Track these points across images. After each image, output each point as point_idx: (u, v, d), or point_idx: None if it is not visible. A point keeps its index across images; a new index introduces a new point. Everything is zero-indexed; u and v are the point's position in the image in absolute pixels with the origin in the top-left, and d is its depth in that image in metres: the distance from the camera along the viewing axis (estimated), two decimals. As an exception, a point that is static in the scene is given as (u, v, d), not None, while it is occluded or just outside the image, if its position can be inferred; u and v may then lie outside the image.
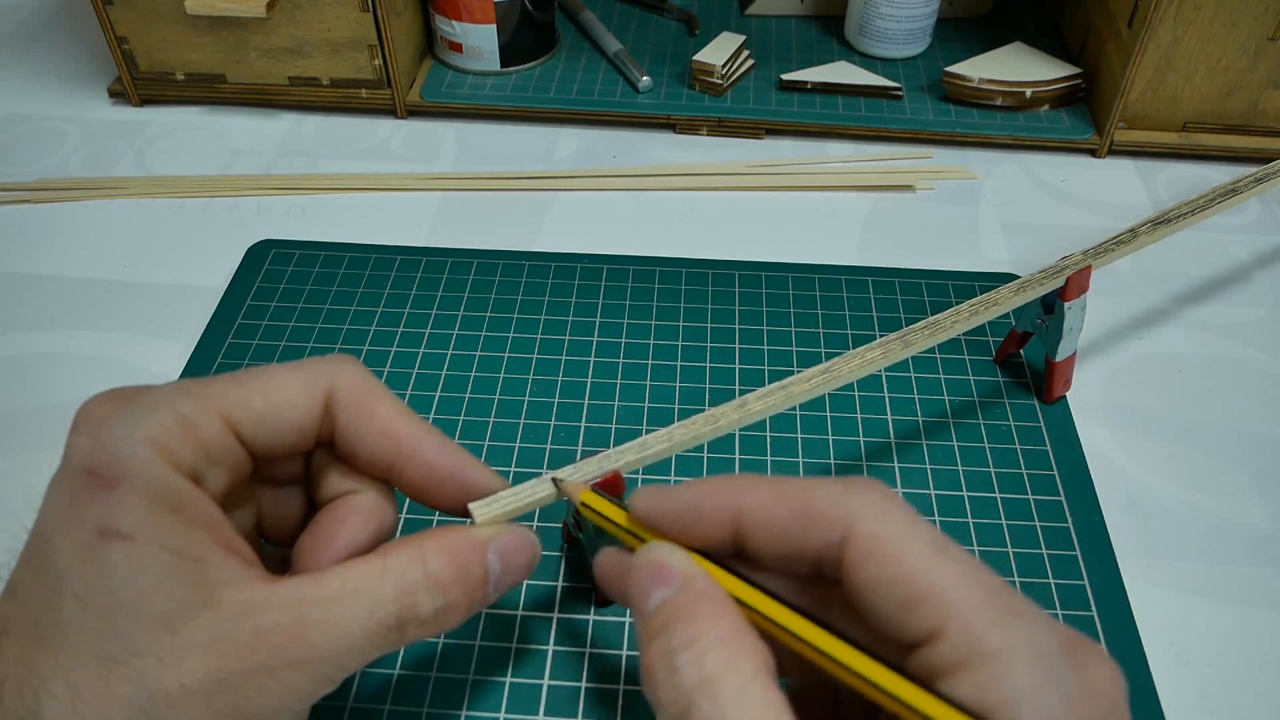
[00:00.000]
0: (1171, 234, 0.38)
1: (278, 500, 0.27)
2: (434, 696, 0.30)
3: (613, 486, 0.27)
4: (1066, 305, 0.36)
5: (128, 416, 0.23)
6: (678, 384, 0.40)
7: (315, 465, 0.27)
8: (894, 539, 0.20)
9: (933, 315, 0.33)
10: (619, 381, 0.40)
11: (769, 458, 0.37)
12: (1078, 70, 0.55)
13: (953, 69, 0.55)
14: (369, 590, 0.23)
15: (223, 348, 0.41)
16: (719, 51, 0.56)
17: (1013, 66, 0.55)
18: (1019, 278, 0.36)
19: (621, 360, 0.41)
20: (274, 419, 0.25)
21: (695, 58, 0.55)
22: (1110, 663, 0.20)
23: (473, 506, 0.26)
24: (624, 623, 0.32)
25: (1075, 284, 0.36)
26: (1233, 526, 0.36)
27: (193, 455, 0.23)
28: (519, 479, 0.36)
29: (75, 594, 0.21)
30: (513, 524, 0.26)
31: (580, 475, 0.27)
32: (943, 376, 0.40)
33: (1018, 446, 0.38)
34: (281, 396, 0.25)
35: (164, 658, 0.21)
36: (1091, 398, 0.40)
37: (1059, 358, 0.38)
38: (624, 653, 0.31)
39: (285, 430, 0.25)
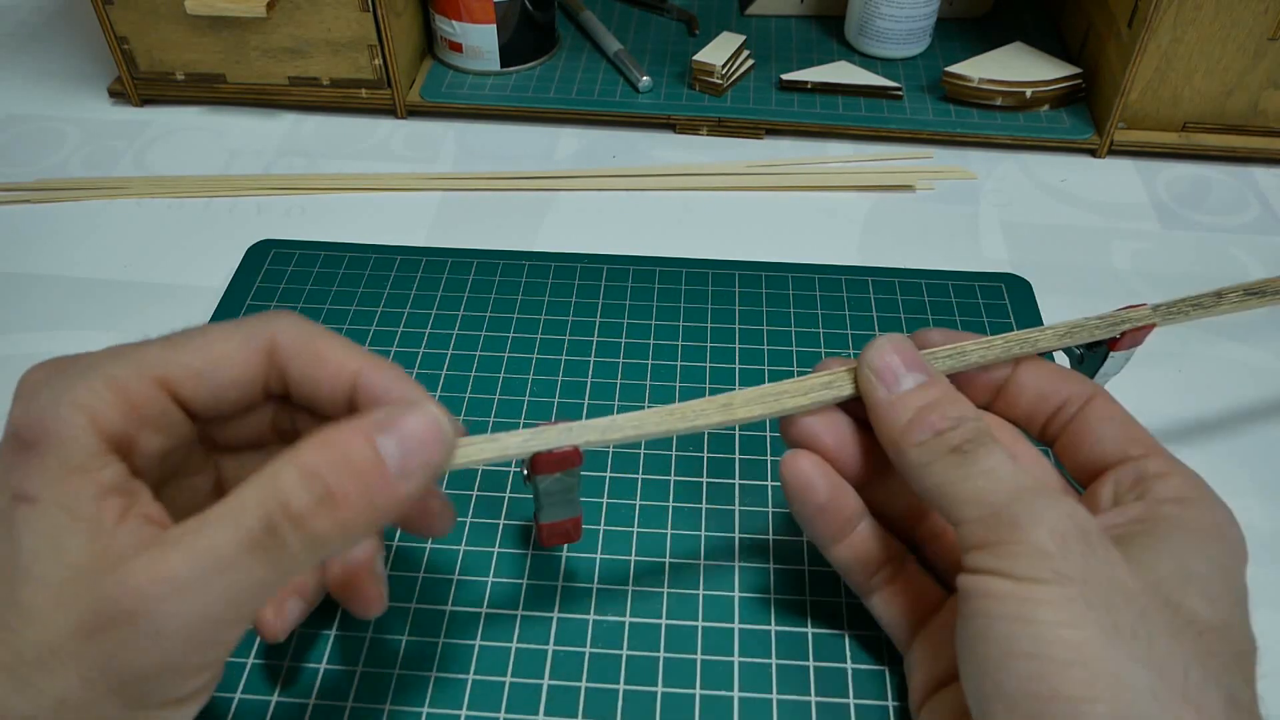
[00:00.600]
0: (1262, 306, 0.34)
1: (244, 465, 0.27)
2: (434, 696, 0.30)
3: (568, 460, 0.27)
4: (1112, 354, 0.32)
5: (59, 381, 0.23)
6: (678, 384, 0.40)
7: (286, 426, 0.27)
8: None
9: (961, 344, 0.30)
10: (619, 381, 0.40)
11: (737, 455, 0.37)
12: (1078, 70, 0.55)
13: (953, 69, 0.55)
14: (233, 505, 0.21)
15: (223, 348, 0.41)
16: (719, 51, 0.56)
17: (1013, 66, 0.55)
18: (1023, 280, 0.35)
19: (621, 360, 0.41)
20: (212, 375, 0.24)
21: (695, 58, 0.55)
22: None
23: None
24: (624, 623, 0.32)
25: (1130, 338, 0.32)
26: (1233, 526, 0.36)
27: (122, 418, 0.23)
28: (518, 479, 0.36)
29: None
30: (415, 403, 0.24)
31: (539, 442, 0.26)
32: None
33: (1018, 446, 0.38)
34: (218, 351, 0.24)
35: (34, 620, 0.20)
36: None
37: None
38: (624, 653, 0.31)
39: (225, 386, 0.24)
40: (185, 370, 0.24)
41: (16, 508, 0.21)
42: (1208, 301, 0.33)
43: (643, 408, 0.38)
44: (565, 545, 0.34)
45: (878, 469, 0.29)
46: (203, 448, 0.27)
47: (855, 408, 0.29)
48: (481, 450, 0.26)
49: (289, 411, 0.27)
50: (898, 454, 0.27)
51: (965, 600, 0.24)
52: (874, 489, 0.30)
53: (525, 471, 0.27)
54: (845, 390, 0.29)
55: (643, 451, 0.37)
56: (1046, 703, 0.22)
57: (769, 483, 0.36)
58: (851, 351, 0.41)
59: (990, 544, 0.24)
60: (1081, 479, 0.29)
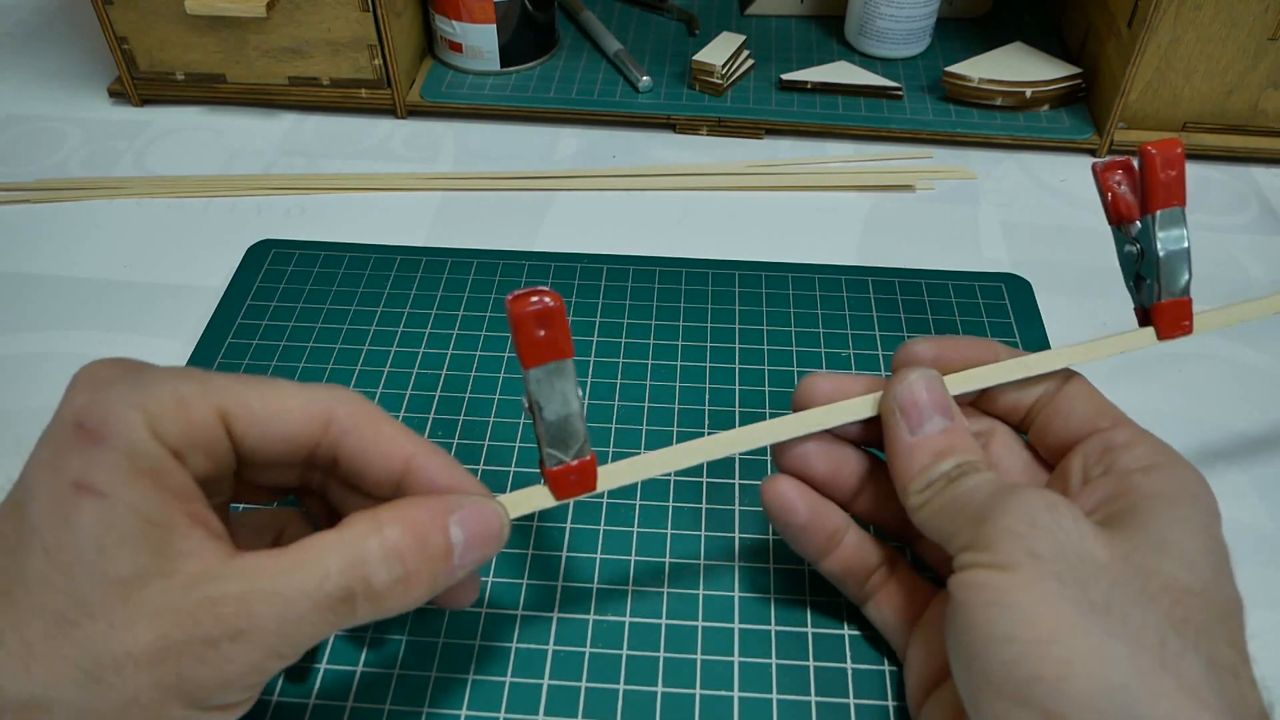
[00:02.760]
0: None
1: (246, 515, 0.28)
2: (434, 696, 0.30)
3: (548, 317, 0.25)
4: (1156, 218, 0.28)
5: (128, 383, 0.23)
6: (678, 384, 0.40)
7: (326, 495, 0.28)
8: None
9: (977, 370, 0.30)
10: (619, 381, 0.40)
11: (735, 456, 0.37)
12: (1078, 70, 0.55)
13: (953, 69, 0.55)
14: (319, 561, 0.23)
15: (222, 348, 0.41)
16: (719, 51, 0.56)
17: (1013, 66, 0.55)
18: (1023, 280, 0.35)
19: (621, 360, 0.41)
20: (268, 422, 0.25)
21: (695, 58, 0.55)
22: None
23: None
24: (624, 622, 0.32)
25: (1159, 176, 0.27)
26: (1233, 526, 0.36)
27: (180, 434, 0.23)
28: (518, 479, 0.37)
29: (44, 545, 0.21)
30: (482, 497, 0.26)
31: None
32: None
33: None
34: (281, 404, 0.25)
35: (114, 623, 0.21)
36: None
37: (1163, 296, 0.30)
38: (624, 653, 0.31)
39: (276, 437, 0.25)
40: (245, 409, 0.24)
41: (80, 497, 0.22)
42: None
43: (643, 407, 0.38)
44: (564, 549, 0.34)
45: (868, 480, 0.31)
46: (230, 479, 0.27)
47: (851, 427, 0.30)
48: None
49: (320, 474, 0.28)
50: (903, 491, 0.28)
51: (951, 598, 0.25)
52: (864, 498, 0.31)
53: (525, 402, 0.26)
54: (863, 414, 0.29)
55: (642, 452, 0.37)
56: (1029, 685, 0.22)
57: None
58: (851, 352, 0.41)
59: (970, 543, 0.25)
60: (1052, 458, 0.30)
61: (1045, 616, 0.22)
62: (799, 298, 0.44)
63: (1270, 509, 0.36)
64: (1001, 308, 0.43)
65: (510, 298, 0.24)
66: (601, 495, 0.36)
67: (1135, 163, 0.31)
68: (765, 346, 0.42)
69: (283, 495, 0.29)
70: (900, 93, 0.56)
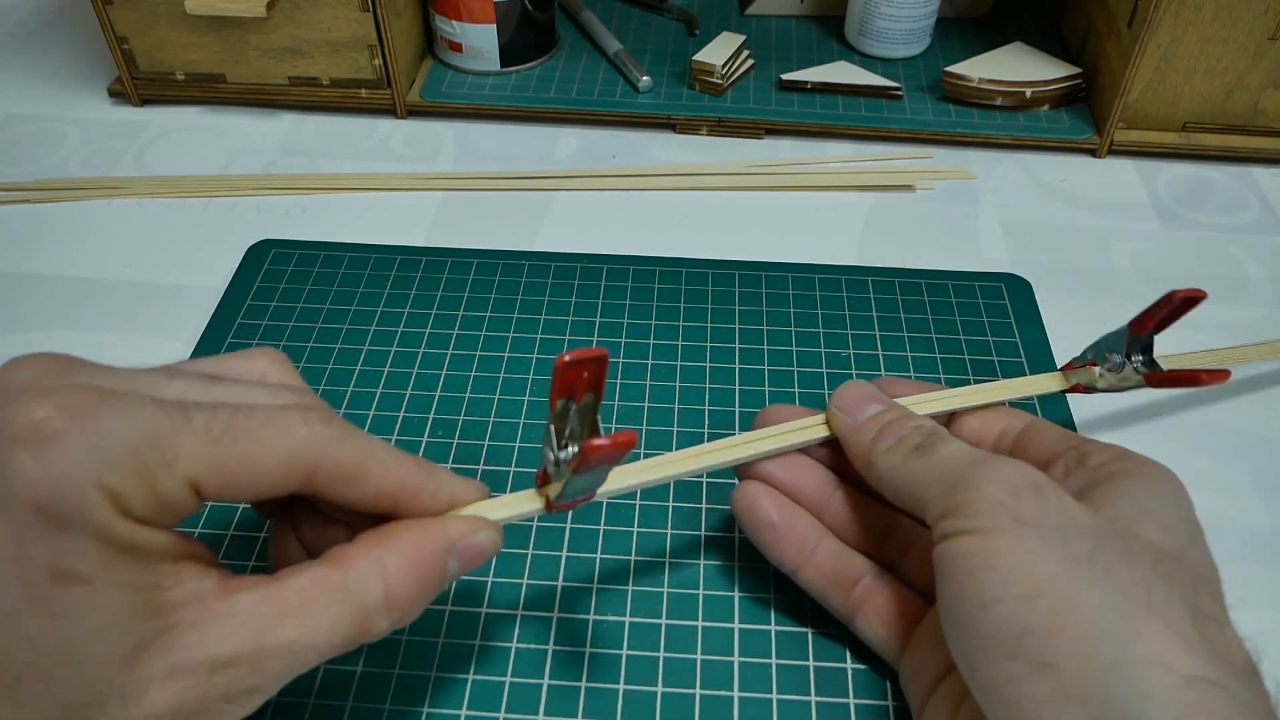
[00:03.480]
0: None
1: None
2: (434, 696, 0.30)
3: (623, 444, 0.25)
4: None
5: (82, 446, 0.21)
6: (678, 384, 0.40)
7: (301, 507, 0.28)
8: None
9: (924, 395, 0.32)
10: (619, 381, 0.40)
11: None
12: (1078, 70, 0.55)
13: (953, 69, 0.55)
14: (327, 615, 0.23)
15: (222, 348, 0.41)
16: (719, 51, 0.56)
17: (1013, 66, 0.55)
18: (1023, 280, 0.35)
19: (622, 360, 0.41)
20: (242, 486, 0.23)
21: (695, 58, 0.55)
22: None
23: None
24: (624, 622, 0.32)
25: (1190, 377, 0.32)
26: (1232, 526, 0.36)
27: (144, 508, 0.21)
28: (518, 479, 0.36)
29: (28, 639, 0.20)
30: (480, 519, 0.26)
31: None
32: (941, 375, 0.40)
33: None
34: (257, 470, 0.23)
35: (126, 694, 0.21)
36: (1091, 397, 0.40)
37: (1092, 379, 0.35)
38: (624, 653, 0.31)
39: (250, 496, 0.24)
40: (218, 476, 0.22)
41: (63, 589, 0.20)
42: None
43: (643, 407, 0.38)
44: (564, 548, 0.34)
45: (836, 490, 0.32)
46: None
47: (816, 452, 0.32)
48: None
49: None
50: (868, 467, 0.29)
51: (938, 569, 0.25)
52: (832, 519, 0.31)
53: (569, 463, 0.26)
54: (818, 434, 0.31)
55: (642, 452, 0.37)
56: (1020, 640, 0.23)
57: (769, 483, 0.36)
58: (851, 352, 0.41)
59: (951, 510, 0.25)
60: None
61: (1032, 573, 0.23)
62: (799, 298, 0.44)
63: (1270, 509, 0.36)
64: (1001, 308, 0.43)
65: (598, 444, 0.24)
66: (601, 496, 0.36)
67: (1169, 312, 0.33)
68: (765, 346, 0.42)
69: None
70: (900, 93, 0.56)
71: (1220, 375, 0.32)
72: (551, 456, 0.26)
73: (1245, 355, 0.39)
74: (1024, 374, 0.40)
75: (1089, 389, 0.34)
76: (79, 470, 0.20)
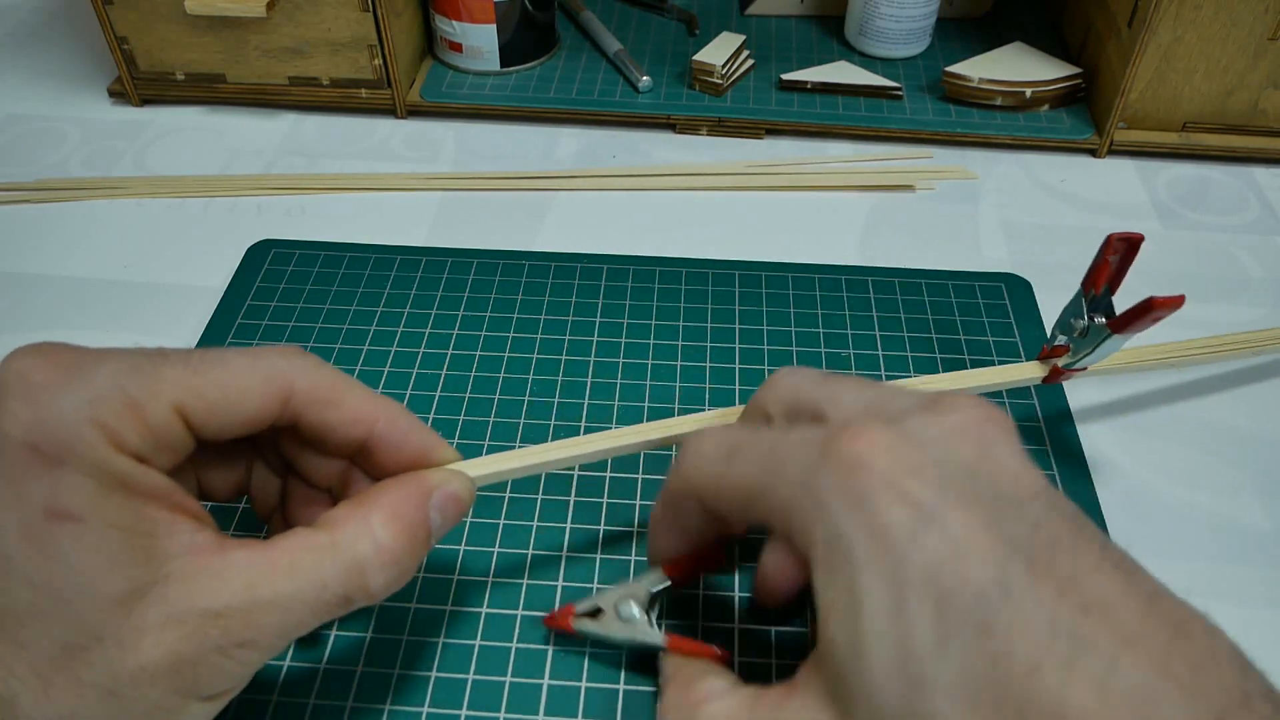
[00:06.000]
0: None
1: (221, 471, 0.28)
2: (434, 696, 0.30)
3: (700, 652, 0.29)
4: (1113, 335, 0.33)
5: (71, 390, 0.22)
6: (678, 384, 0.40)
7: (279, 447, 0.28)
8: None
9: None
10: (619, 381, 0.40)
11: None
12: (1078, 70, 0.55)
13: (953, 69, 0.55)
14: (317, 570, 0.23)
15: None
16: (719, 51, 0.56)
17: (1013, 66, 0.55)
18: (1023, 280, 0.35)
19: (621, 360, 0.41)
20: (227, 411, 0.24)
21: (695, 58, 0.55)
22: (973, 403, 0.24)
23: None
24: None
25: (1134, 325, 0.32)
26: (1233, 526, 0.36)
27: (139, 439, 0.23)
28: (516, 481, 0.36)
29: (27, 578, 0.21)
30: (452, 471, 0.27)
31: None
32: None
33: (1018, 446, 0.38)
34: (238, 390, 0.24)
35: (123, 642, 0.21)
36: (1091, 397, 0.40)
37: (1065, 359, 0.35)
38: (623, 653, 0.31)
39: (237, 423, 0.25)
40: (201, 401, 0.24)
41: (56, 525, 0.21)
42: None
43: (643, 407, 0.38)
44: (564, 549, 0.34)
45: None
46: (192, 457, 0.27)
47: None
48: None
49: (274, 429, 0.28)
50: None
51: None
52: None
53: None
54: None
55: (642, 452, 0.37)
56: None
57: (769, 483, 0.36)
58: (851, 352, 0.41)
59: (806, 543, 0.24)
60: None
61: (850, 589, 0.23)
62: (799, 298, 0.44)
63: (1271, 509, 0.36)
64: (1001, 308, 0.44)
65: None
66: (601, 496, 0.36)
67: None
68: (765, 346, 0.42)
69: (237, 495, 0.29)
70: (900, 93, 0.56)
71: (1174, 300, 0.31)
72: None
73: (1236, 342, 0.39)
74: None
75: (1067, 367, 0.34)
76: (70, 409, 0.22)
